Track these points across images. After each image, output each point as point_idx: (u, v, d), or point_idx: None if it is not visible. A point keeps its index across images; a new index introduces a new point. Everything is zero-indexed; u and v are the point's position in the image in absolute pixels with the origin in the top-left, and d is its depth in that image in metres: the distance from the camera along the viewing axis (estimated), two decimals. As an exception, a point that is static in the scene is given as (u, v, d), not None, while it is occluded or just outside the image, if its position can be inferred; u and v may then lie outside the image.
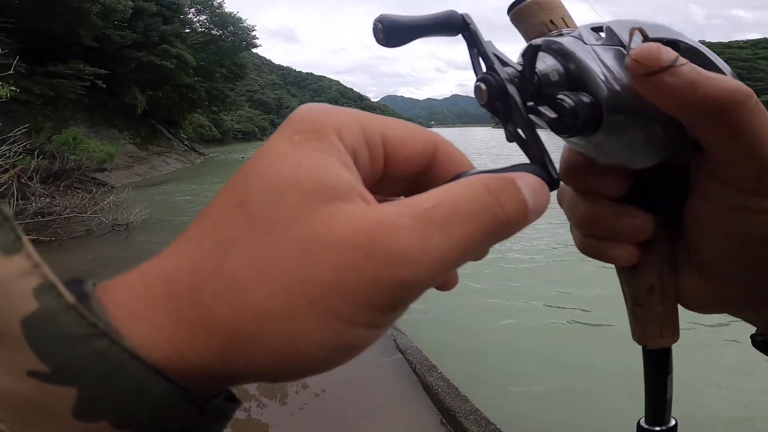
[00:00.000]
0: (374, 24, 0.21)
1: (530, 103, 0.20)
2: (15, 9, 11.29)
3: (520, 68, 0.20)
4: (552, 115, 0.20)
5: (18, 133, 5.20)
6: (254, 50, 29.01)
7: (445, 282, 0.18)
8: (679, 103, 0.18)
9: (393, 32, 0.20)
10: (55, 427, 0.12)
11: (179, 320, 0.12)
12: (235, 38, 24.17)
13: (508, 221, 0.15)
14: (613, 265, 0.25)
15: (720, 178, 0.19)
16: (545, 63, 0.21)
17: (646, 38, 0.19)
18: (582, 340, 2.96)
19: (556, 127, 0.20)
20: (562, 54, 0.21)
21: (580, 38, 0.21)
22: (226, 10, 24.57)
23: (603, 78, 0.20)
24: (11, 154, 4.91)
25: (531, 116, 0.20)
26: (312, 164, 0.13)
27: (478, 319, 3.28)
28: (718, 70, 0.20)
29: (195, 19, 24.20)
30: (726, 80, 0.18)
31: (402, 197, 0.17)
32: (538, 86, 0.20)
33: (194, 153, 22.68)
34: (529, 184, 0.16)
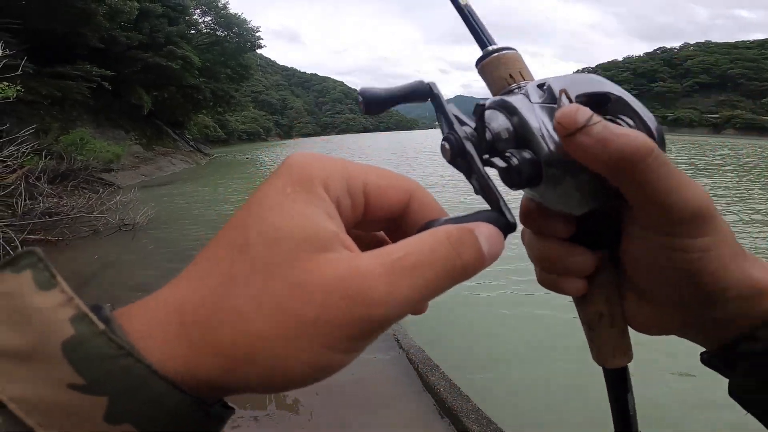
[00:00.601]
0: (358, 95, 0.24)
1: (486, 156, 0.23)
2: (22, 10, 11.40)
3: (474, 126, 0.23)
4: (502, 165, 0.23)
5: (26, 133, 5.26)
6: (259, 51, 29.11)
7: (416, 311, 0.20)
8: (593, 159, 0.21)
9: (372, 103, 0.24)
10: (88, 429, 0.14)
11: (189, 344, 0.15)
12: (239, 39, 24.28)
13: (465, 268, 0.18)
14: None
15: (640, 222, 0.23)
16: (497, 121, 0.24)
17: (577, 98, 0.23)
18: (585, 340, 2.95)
19: (506, 181, 0.23)
20: (510, 112, 0.24)
21: (527, 96, 0.24)
22: (231, 11, 24.72)
23: (542, 137, 0.22)
24: (19, 154, 4.97)
25: (488, 168, 0.23)
26: (302, 216, 0.16)
27: (481, 317, 3.29)
28: (639, 118, 0.23)
29: (200, 20, 24.37)
30: (631, 137, 0.21)
31: (382, 232, 0.23)
32: (492, 142, 0.23)
33: (199, 153, 22.80)
34: (485, 234, 0.19)
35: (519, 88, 0.26)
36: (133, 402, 0.14)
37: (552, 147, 0.22)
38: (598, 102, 0.24)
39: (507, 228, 0.20)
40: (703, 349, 0.27)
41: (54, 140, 10.38)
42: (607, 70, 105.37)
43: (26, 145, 5.11)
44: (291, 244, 0.16)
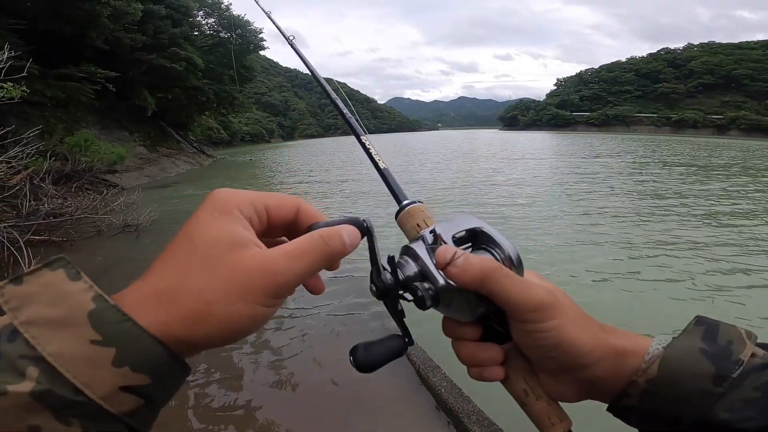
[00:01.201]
0: None
1: (401, 291, 0.34)
2: (28, 11, 11.48)
3: (390, 271, 0.34)
4: (411, 298, 0.34)
5: (31, 135, 5.29)
6: (261, 53, 29.19)
7: (313, 288, 0.32)
8: (462, 280, 0.32)
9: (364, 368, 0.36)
10: (102, 371, 0.22)
11: (165, 313, 0.24)
12: (242, 41, 24.35)
13: (333, 253, 0.29)
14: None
15: (509, 316, 0.33)
16: (408, 266, 0.34)
17: (458, 239, 0.35)
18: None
19: (418, 305, 0.34)
20: (414, 258, 0.35)
21: (425, 241, 0.35)
22: (234, 13, 24.80)
23: (434, 273, 0.33)
24: (24, 155, 5.00)
25: (405, 296, 0.34)
26: (227, 229, 0.27)
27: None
28: (499, 246, 0.35)
29: (203, 22, 24.46)
30: (481, 263, 0.32)
31: (283, 238, 0.33)
32: (405, 280, 0.34)
33: (203, 155, 22.87)
34: (347, 231, 0.30)
35: (421, 236, 0.35)
36: (130, 351, 0.23)
37: (441, 279, 0.33)
38: (474, 234, 0.36)
39: (361, 225, 0.32)
40: None
41: (59, 141, 10.43)
42: (610, 71, 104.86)
43: (31, 147, 5.14)
44: (222, 245, 0.26)
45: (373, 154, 0.44)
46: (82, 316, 0.22)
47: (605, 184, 10.63)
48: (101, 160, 10.47)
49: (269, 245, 0.28)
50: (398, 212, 0.39)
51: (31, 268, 0.23)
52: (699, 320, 0.33)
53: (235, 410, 2.13)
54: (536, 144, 34.37)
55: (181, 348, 0.24)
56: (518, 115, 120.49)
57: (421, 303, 0.33)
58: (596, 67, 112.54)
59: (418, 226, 0.37)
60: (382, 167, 0.43)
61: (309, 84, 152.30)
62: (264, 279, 0.26)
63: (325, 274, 0.33)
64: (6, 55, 4.83)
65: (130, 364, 0.22)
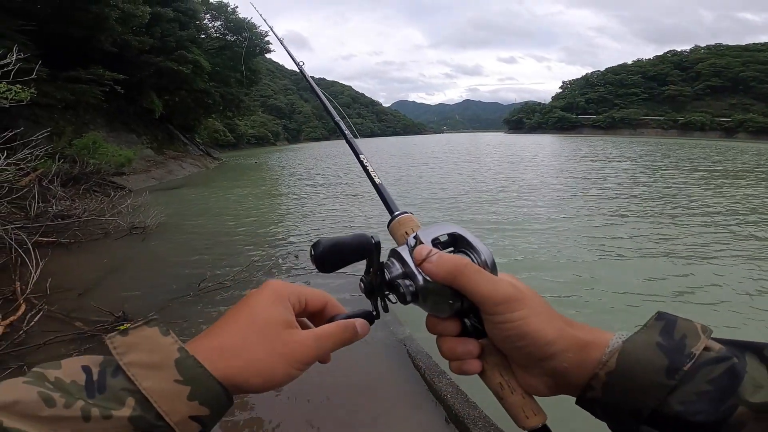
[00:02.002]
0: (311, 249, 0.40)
1: (386, 292, 0.40)
2: (37, 13, 11.62)
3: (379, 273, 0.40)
4: (395, 295, 0.39)
5: (40, 137, 5.35)
6: (267, 56, 29.35)
7: (324, 360, 0.38)
8: (436, 275, 0.36)
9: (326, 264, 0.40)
10: (179, 404, 0.29)
11: (225, 365, 0.32)
12: (249, 44, 24.50)
13: (348, 340, 0.39)
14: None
15: (482, 311, 0.36)
16: (394, 267, 0.39)
17: (434, 240, 0.39)
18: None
19: (401, 301, 0.38)
20: (399, 259, 0.39)
21: (408, 245, 0.39)
22: (240, 16, 24.97)
23: (415, 271, 0.37)
24: (33, 157, 5.05)
25: (390, 295, 0.40)
26: (279, 313, 0.36)
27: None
28: (474, 249, 0.39)
29: (210, 25, 24.65)
30: (452, 260, 0.36)
31: (304, 319, 0.41)
32: (391, 280, 0.39)
33: (209, 157, 23.01)
34: (359, 323, 0.40)
35: (407, 241, 0.40)
36: (201, 390, 0.30)
37: (421, 278, 0.37)
38: (455, 239, 0.40)
39: (371, 317, 0.41)
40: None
41: (67, 144, 10.55)
42: (616, 73, 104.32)
43: (40, 149, 5.19)
44: (276, 324, 0.35)
45: (369, 171, 0.50)
46: (171, 362, 0.30)
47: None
48: (109, 162, 10.57)
49: (301, 325, 0.39)
50: (390, 221, 0.44)
51: (134, 324, 0.33)
52: (659, 316, 0.34)
53: (231, 416, 2.13)
54: (544, 149, 34.05)
55: (233, 390, 0.32)
56: (523, 118, 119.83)
57: (402, 298, 0.38)
58: (602, 69, 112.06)
59: (407, 233, 0.42)
60: (377, 182, 0.49)
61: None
62: (302, 352, 0.35)
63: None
64: (15, 57, 4.88)
65: (199, 399, 0.30)
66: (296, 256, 4.85)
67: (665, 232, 6.15)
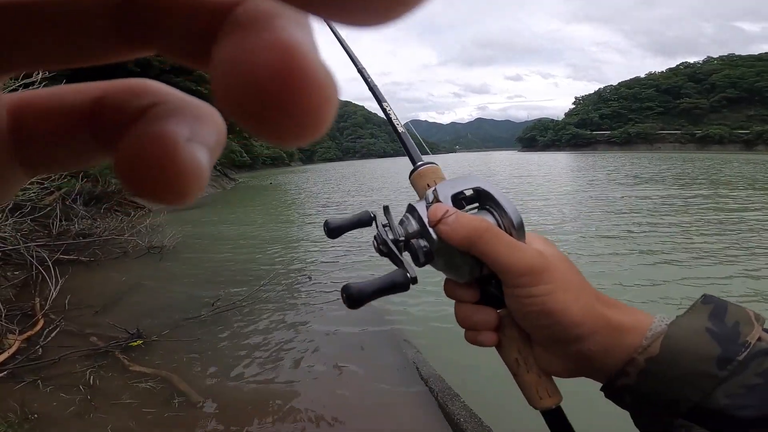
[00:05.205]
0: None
1: (396, 248, 0.35)
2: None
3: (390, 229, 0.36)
4: (408, 254, 0.34)
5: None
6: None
7: None
8: (452, 239, 0.31)
9: (332, 231, 0.40)
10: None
11: None
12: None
13: None
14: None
15: (503, 282, 0.32)
16: (410, 223, 0.35)
17: (455, 197, 0.35)
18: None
19: (414, 262, 0.34)
20: (413, 214, 0.35)
21: (427, 200, 0.35)
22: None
23: (431, 231, 0.33)
24: (57, 176, 5.24)
25: (406, 254, 0.34)
26: None
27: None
28: (499, 206, 0.34)
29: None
30: (472, 221, 0.31)
31: None
32: (407, 237, 0.34)
33: (226, 178, 23.52)
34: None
35: (426, 196, 0.36)
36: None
37: (436, 236, 0.33)
38: (479, 195, 0.35)
39: (411, 280, 0.32)
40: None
41: (90, 166, 10.89)
42: (629, 87, 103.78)
43: (64, 170, 5.37)
44: None
45: (392, 118, 0.45)
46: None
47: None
48: (129, 183, 10.85)
49: None
50: (411, 172, 0.40)
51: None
52: (706, 298, 0.31)
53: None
54: (564, 167, 33.52)
55: None
56: (537, 136, 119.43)
57: (415, 259, 0.34)
58: (614, 83, 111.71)
59: (428, 186, 0.38)
60: (400, 130, 0.44)
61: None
62: None
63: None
64: (40, 75, 5.08)
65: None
66: (309, 278, 4.85)
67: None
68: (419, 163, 0.40)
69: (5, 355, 2.58)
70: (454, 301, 0.36)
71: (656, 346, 0.29)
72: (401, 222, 0.36)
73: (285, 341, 3.07)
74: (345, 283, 0.31)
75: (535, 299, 0.31)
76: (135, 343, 2.87)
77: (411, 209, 0.35)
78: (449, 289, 0.36)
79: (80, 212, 6.60)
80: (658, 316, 0.31)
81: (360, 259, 5.48)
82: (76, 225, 5.92)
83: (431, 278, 0.56)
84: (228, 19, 0.09)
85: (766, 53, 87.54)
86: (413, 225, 0.35)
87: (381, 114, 0.47)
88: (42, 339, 2.85)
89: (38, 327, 3.04)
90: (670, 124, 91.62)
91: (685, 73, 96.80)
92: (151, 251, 6.07)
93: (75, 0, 0.09)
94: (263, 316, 3.56)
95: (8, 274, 4.15)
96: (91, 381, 2.43)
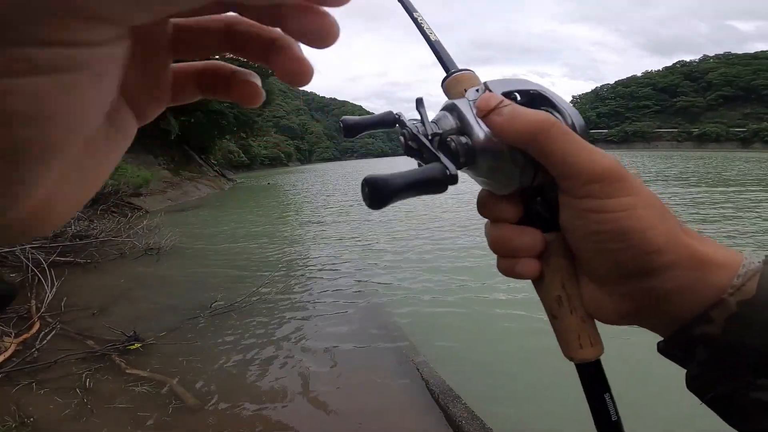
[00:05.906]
0: (339, 122, 0.35)
1: (436, 145, 0.28)
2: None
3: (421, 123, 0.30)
4: (446, 150, 0.27)
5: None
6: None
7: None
8: (506, 133, 0.25)
9: (350, 129, 0.36)
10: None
11: None
12: (261, 65, 25.19)
13: None
14: None
15: (563, 190, 0.25)
16: (447, 120, 0.29)
17: (507, 91, 0.28)
18: (627, 370, 2.78)
19: (453, 163, 0.27)
20: (451, 110, 0.29)
21: (467, 98, 0.29)
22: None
23: (474, 125, 0.27)
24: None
25: (440, 153, 0.27)
26: None
27: (508, 343, 3.15)
28: (555, 107, 0.28)
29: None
30: (535, 114, 0.25)
31: None
32: (442, 136, 0.28)
33: (223, 179, 23.47)
34: None
35: (465, 95, 0.30)
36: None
37: (481, 134, 0.26)
38: (532, 100, 0.28)
39: (450, 178, 0.25)
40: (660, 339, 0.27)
41: (87, 167, 10.83)
42: (626, 86, 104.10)
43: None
44: None
45: (424, 27, 0.40)
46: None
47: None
48: (127, 183, 10.81)
49: None
50: (445, 79, 0.34)
51: None
52: None
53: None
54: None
55: None
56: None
57: (455, 159, 0.27)
58: (611, 82, 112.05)
59: (465, 90, 0.32)
60: (432, 39, 0.39)
61: (326, 107, 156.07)
62: None
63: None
64: None
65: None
66: (307, 279, 4.83)
67: None
68: (455, 70, 0.34)
69: (1, 358, 2.55)
70: (486, 227, 0.30)
71: (752, 285, 0.23)
72: (436, 120, 0.30)
73: (283, 343, 3.05)
74: (367, 175, 0.26)
75: (610, 215, 0.24)
76: (133, 346, 2.84)
77: (450, 107, 0.29)
78: (487, 203, 0.29)
79: (77, 213, 6.54)
80: (746, 252, 0.25)
81: (360, 259, 5.46)
82: (73, 226, 5.89)
83: (432, 278, 0.54)
84: None
85: (761, 52, 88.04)
86: (451, 122, 0.29)
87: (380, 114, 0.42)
88: (38, 342, 2.82)
89: (34, 329, 3.01)
90: (667, 123, 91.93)
91: (682, 71, 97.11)
92: (148, 253, 6.04)
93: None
94: (261, 318, 3.54)
95: (4, 276, 4.12)
96: (88, 384, 2.41)
